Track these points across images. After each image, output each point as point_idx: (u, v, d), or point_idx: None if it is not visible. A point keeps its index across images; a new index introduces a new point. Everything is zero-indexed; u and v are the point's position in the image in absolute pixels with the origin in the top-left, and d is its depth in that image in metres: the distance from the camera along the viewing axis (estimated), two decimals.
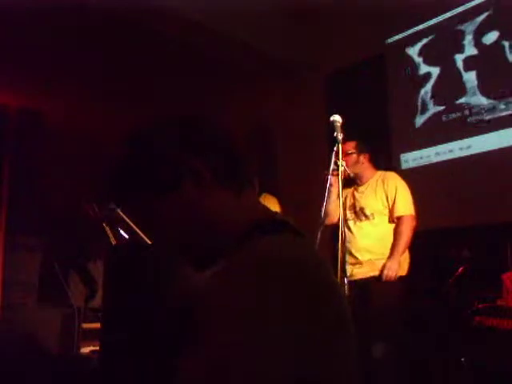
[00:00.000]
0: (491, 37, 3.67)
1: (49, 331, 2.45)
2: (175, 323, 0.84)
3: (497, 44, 3.62)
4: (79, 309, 2.58)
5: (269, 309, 0.60)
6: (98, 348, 2.32)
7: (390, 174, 3.14)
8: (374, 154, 3.18)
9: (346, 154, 2.97)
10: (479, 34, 3.74)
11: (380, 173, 3.15)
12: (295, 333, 0.61)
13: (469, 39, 3.81)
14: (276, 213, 0.84)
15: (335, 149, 1.91)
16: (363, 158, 3.08)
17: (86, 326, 2.53)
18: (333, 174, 1.98)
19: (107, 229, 2.92)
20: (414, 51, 4.13)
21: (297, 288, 0.62)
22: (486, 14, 3.70)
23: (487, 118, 3.59)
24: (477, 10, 3.75)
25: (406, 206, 2.93)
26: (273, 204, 3.50)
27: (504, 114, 3.51)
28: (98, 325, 2.50)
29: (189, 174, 0.76)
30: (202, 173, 0.76)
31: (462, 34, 3.83)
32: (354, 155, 3.05)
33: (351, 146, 3.06)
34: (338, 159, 1.89)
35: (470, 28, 3.80)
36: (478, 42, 3.76)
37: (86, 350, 2.46)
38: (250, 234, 0.72)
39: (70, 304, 2.75)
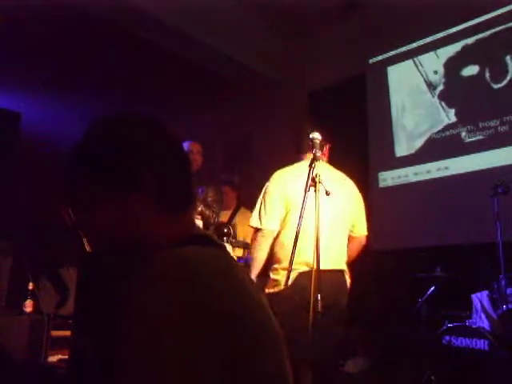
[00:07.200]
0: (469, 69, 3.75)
1: (17, 338, 2.39)
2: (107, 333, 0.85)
3: (477, 76, 3.69)
4: (49, 315, 2.52)
5: (173, 321, 0.62)
6: (66, 357, 2.28)
7: None
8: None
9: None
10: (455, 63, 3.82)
11: None
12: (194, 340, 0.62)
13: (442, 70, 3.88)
14: (199, 229, 0.87)
15: (313, 165, 1.93)
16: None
17: (54, 333, 2.47)
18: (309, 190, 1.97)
19: (82, 235, 2.88)
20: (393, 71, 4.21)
21: (194, 293, 0.64)
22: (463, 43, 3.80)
23: (467, 140, 3.67)
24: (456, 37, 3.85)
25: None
26: (248, 218, 3.47)
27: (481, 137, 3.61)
28: (67, 333, 2.45)
29: (136, 184, 0.76)
30: (148, 186, 0.77)
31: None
32: None
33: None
34: (316, 175, 1.90)
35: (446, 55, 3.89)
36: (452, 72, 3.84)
37: (53, 358, 2.41)
38: (168, 246, 0.73)
39: (39, 310, 2.68)
